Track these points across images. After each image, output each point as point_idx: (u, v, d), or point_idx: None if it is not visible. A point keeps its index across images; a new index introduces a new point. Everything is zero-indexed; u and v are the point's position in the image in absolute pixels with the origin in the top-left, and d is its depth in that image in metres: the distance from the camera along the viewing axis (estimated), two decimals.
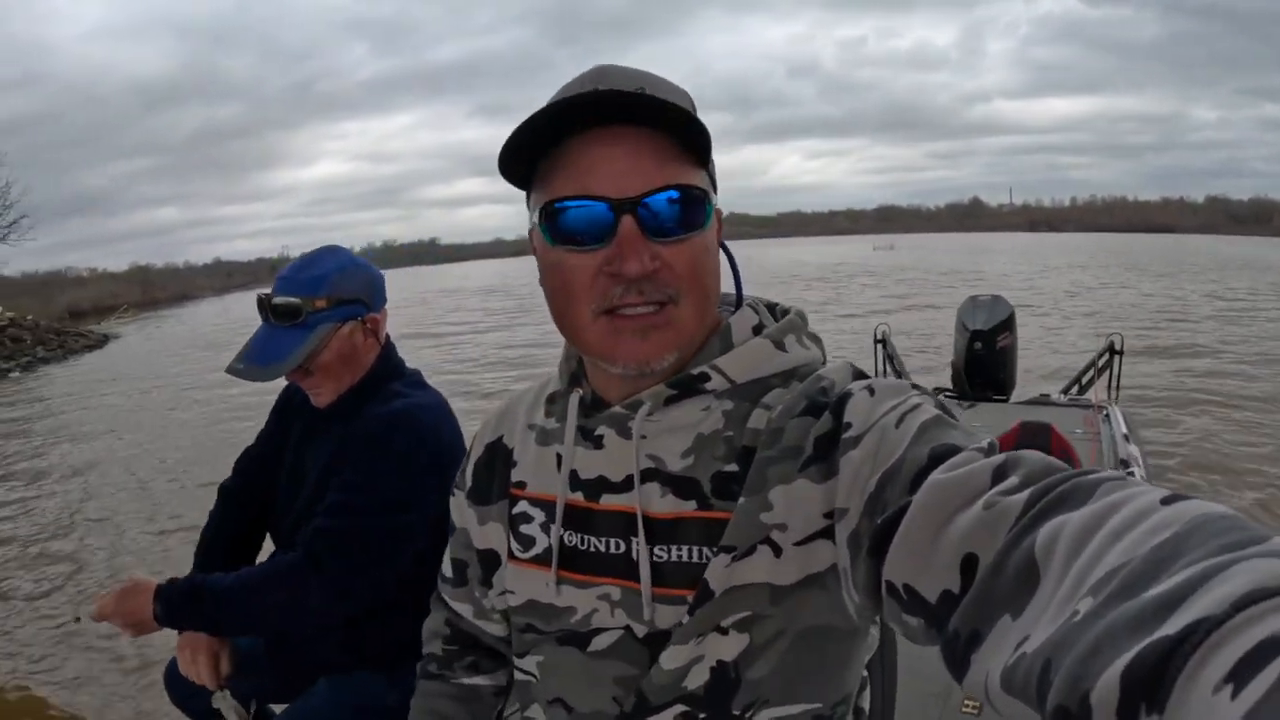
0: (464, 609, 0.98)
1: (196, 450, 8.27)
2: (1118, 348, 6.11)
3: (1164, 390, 8.94)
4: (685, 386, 0.78)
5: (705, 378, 0.78)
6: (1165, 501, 0.42)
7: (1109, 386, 6.04)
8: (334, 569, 1.38)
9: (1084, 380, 6.34)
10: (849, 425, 0.70)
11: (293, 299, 1.46)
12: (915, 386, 0.73)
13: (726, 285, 0.86)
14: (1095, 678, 0.33)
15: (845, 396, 0.73)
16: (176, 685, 1.65)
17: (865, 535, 0.63)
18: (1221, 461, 6.51)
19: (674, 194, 0.71)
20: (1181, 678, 0.30)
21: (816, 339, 0.85)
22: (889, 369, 6.38)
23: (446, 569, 1.00)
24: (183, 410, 11.23)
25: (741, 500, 0.73)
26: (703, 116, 0.72)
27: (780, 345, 0.80)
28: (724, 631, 0.74)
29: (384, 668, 1.52)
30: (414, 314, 24.39)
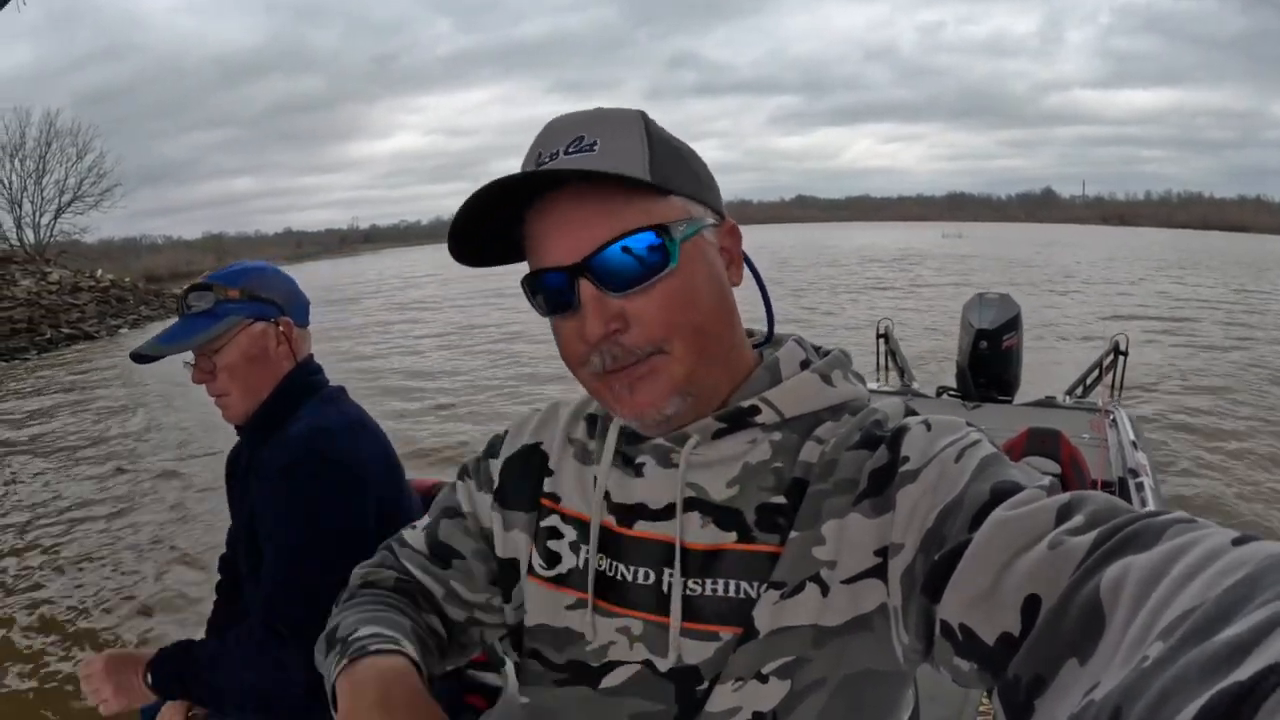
0: (433, 588, 0.87)
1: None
2: (1123, 348, 5.86)
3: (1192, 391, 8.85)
4: (734, 420, 0.74)
5: (755, 410, 0.74)
6: (1236, 542, 0.41)
7: (1113, 387, 5.81)
8: (298, 635, 1.23)
9: (1088, 381, 6.12)
10: (906, 459, 0.67)
11: (206, 286, 1.42)
12: (970, 424, 0.71)
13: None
14: None
15: (902, 430, 0.70)
16: None
17: (920, 572, 0.60)
18: (1229, 471, 6.39)
19: (623, 244, 0.67)
20: None
21: (860, 377, 0.81)
22: (891, 363, 6.28)
23: (421, 543, 0.89)
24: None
25: (794, 534, 0.69)
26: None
27: (828, 380, 0.77)
28: (764, 679, 0.68)
29: None
30: (483, 284, 25.02)
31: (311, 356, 1.52)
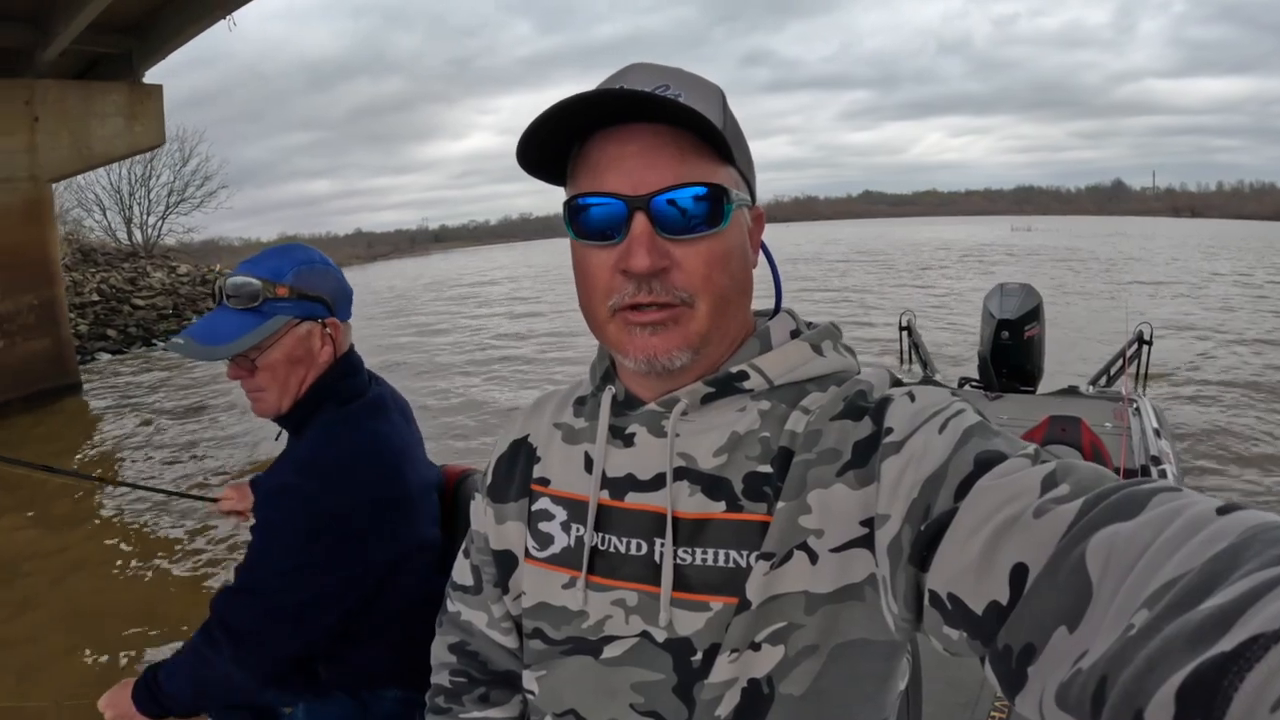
0: (477, 618, 0.87)
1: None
2: (1147, 338, 5.68)
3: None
4: (723, 385, 0.73)
5: (744, 376, 0.73)
6: (1221, 511, 0.40)
7: (1137, 377, 5.64)
8: (248, 656, 1.22)
9: (1112, 371, 5.82)
10: (890, 430, 0.65)
11: (252, 280, 1.25)
12: (955, 394, 0.69)
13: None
14: (1149, 695, 0.31)
15: (886, 401, 0.68)
16: None
17: (907, 543, 0.58)
18: (1255, 456, 6.07)
19: (688, 191, 0.67)
20: (1238, 696, 0.28)
21: (851, 350, 0.79)
22: (914, 356, 6.19)
23: (463, 576, 0.90)
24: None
25: (781, 504, 0.67)
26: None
27: (818, 349, 0.75)
28: (757, 647, 0.67)
29: (352, 694, 1.34)
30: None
31: (351, 348, 1.38)
